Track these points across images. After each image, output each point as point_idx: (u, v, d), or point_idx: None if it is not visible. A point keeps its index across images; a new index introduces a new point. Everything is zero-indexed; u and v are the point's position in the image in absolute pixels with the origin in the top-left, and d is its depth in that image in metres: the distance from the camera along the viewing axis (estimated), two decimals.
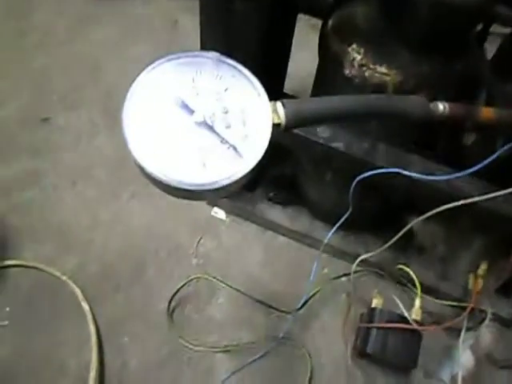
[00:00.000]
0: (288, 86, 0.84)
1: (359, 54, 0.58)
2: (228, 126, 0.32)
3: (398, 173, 0.58)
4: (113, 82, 1.03)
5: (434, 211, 0.58)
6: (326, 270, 0.84)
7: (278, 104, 0.35)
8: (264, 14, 0.64)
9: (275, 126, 0.33)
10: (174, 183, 0.29)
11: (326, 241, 0.77)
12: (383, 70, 0.57)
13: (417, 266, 0.81)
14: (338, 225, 0.74)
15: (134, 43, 1.10)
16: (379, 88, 0.58)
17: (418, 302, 0.74)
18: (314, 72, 0.74)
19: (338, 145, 0.62)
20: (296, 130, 0.62)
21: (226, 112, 0.32)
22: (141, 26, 1.14)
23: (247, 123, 0.32)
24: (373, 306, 0.74)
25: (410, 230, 0.87)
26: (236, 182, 0.30)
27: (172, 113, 0.32)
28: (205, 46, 0.70)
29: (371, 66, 0.58)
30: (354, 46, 0.59)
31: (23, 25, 1.12)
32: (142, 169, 0.30)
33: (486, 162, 0.50)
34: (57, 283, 0.76)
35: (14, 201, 0.85)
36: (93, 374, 0.67)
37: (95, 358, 0.69)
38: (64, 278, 0.76)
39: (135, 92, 0.33)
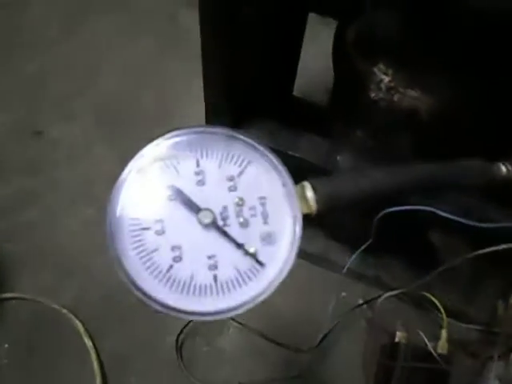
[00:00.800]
0: (296, 86, 0.77)
1: (387, 75, 0.50)
2: (244, 224, 0.25)
3: (433, 212, 0.51)
4: (110, 86, 0.95)
5: (471, 254, 0.52)
6: (343, 294, 0.79)
7: (307, 187, 0.28)
8: (271, 16, 0.57)
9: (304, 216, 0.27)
10: (176, 312, 0.23)
11: (346, 267, 0.71)
12: (415, 94, 0.50)
13: (441, 288, 0.75)
14: (358, 252, 0.69)
15: (131, 41, 1.02)
16: (410, 113, 0.51)
17: (444, 335, 0.68)
18: (324, 69, 0.66)
19: None
20: (311, 160, 0.57)
21: (242, 204, 0.26)
22: (138, 22, 1.05)
23: (269, 218, 0.25)
24: (396, 340, 0.68)
25: (434, 249, 0.81)
26: (259, 302, 0.24)
27: (172, 212, 0.26)
28: (206, 51, 0.63)
29: (401, 90, 0.50)
30: (381, 65, 0.51)
31: (13, 22, 1.04)
32: (129, 287, 0.24)
33: None
34: (57, 316, 0.72)
35: (9, 226, 0.79)
36: None
37: None
38: (64, 311, 0.72)
39: (122, 190, 0.26)
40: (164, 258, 0.25)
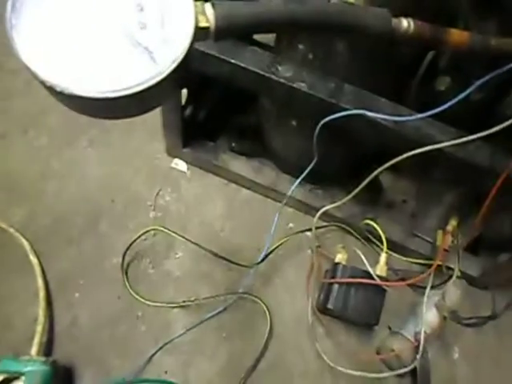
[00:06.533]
0: None
1: None
2: (143, 27, 0.27)
3: (363, 115, 0.53)
4: None
5: (401, 157, 0.54)
6: (291, 225, 0.81)
7: (207, 4, 0.29)
8: None
9: (203, 31, 0.28)
10: (70, 90, 0.25)
11: (289, 193, 0.73)
12: None
13: (385, 222, 0.78)
14: (302, 176, 0.70)
15: None
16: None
17: (383, 258, 0.71)
18: None
19: (301, 85, 0.57)
20: (254, 69, 0.57)
21: (141, 9, 0.27)
22: None
23: (166, 24, 0.27)
24: (336, 260, 0.71)
25: (380, 185, 0.84)
26: (146, 89, 0.25)
27: (75, 10, 0.27)
28: None
29: None
30: None
31: None
32: (35, 76, 0.26)
33: (454, 101, 0.45)
34: (5, 236, 0.72)
35: None
36: (39, 328, 0.64)
37: (42, 312, 0.65)
38: (11, 230, 0.72)
39: None
40: (67, 50, 0.26)
